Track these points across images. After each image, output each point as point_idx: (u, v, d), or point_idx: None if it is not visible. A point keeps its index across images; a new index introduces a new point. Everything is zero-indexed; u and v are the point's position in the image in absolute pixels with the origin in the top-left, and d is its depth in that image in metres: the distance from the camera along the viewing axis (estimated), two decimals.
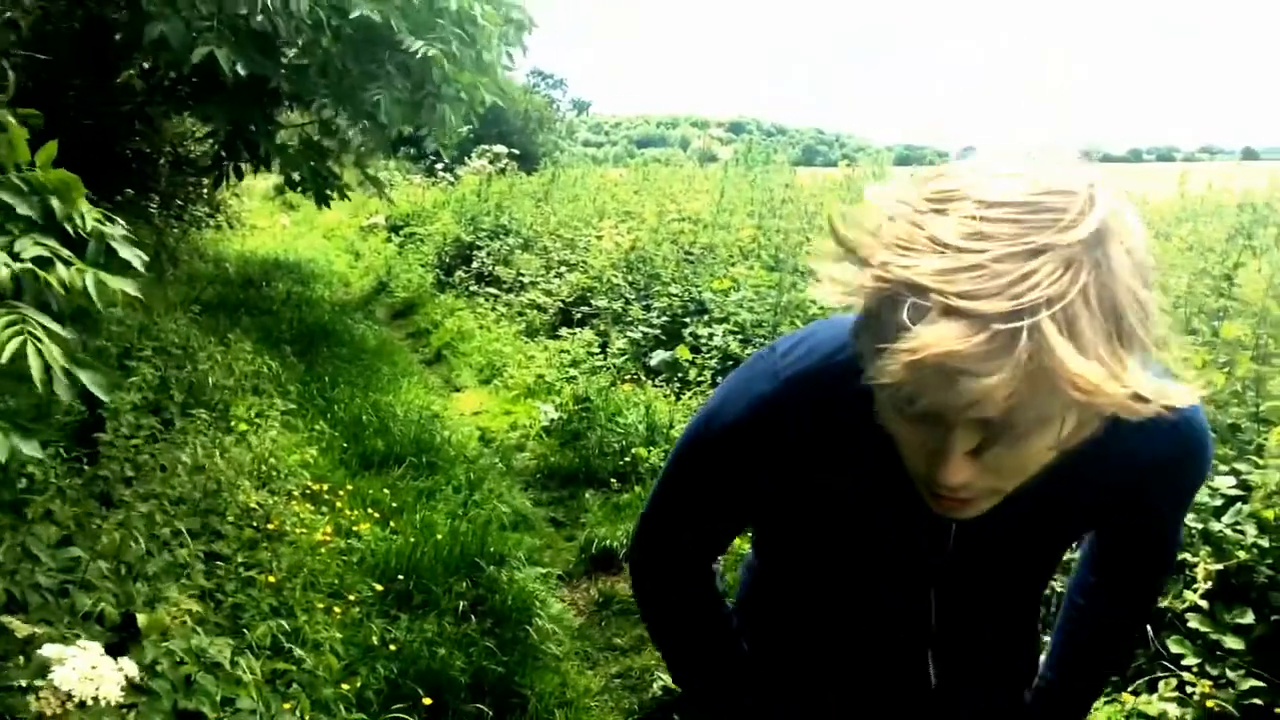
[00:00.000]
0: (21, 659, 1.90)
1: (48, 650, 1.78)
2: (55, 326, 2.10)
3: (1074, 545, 1.34)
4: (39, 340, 2.00)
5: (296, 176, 7.73)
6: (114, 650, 2.10)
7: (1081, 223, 0.81)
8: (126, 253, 2.36)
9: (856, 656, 1.33)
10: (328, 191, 7.81)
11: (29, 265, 2.07)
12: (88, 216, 2.28)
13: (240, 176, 8.02)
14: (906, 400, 0.86)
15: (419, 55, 6.14)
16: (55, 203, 2.22)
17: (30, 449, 2.04)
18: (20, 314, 2.02)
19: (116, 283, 2.22)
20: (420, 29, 6.28)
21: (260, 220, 16.06)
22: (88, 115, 7.18)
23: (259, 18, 5.31)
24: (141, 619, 2.54)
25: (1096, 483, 1.11)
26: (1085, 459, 0.97)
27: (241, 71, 5.59)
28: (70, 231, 2.27)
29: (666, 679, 3.62)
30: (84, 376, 2.16)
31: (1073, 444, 0.91)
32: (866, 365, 0.87)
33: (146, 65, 7.80)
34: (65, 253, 2.18)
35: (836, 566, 1.26)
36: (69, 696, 1.73)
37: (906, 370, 0.81)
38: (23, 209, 2.15)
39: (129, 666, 1.76)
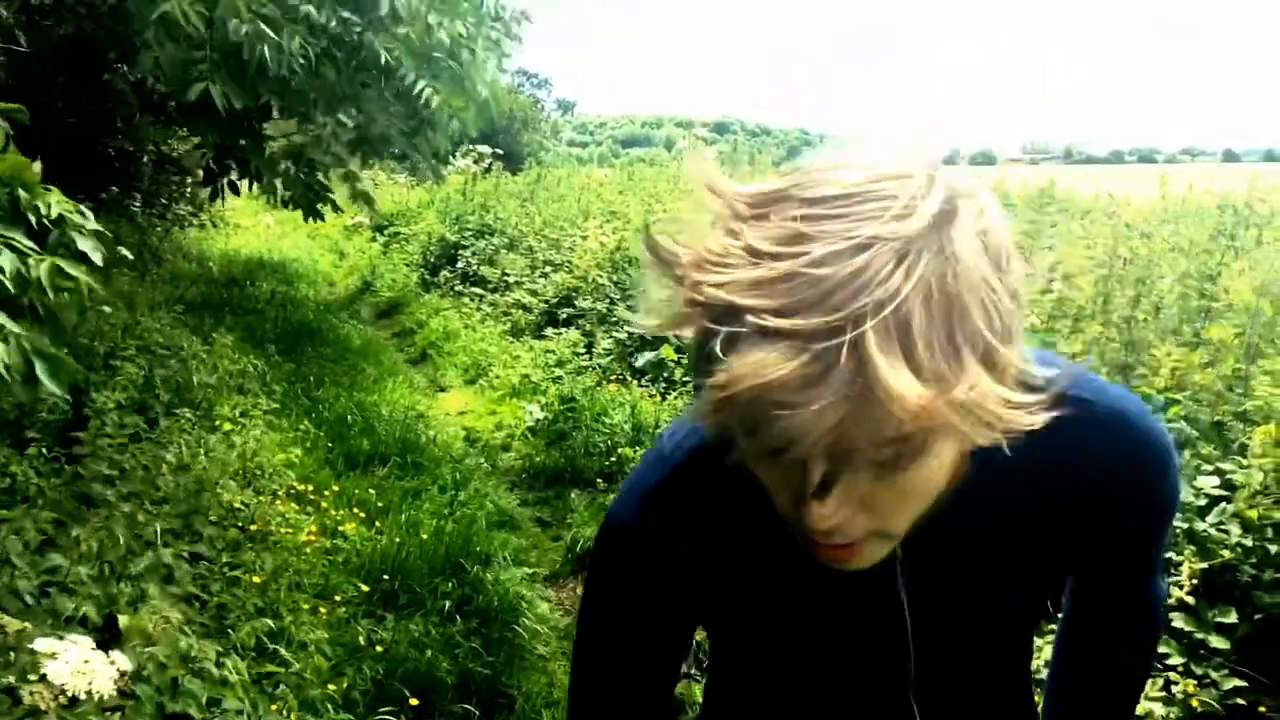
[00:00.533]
0: (12, 654, 1.88)
1: (40, 645, 1.76)
2: (5, 320, 2.02)
3: (1052, 599, 1.18)
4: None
5: (285, 193, 7.73)
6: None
7: (917, 209, 0.69)
8: (85, 244, 2.25)
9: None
10: (318, 205, 7.80)
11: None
12: (54, 205, 2.21)
13: (236, 192, 7.99)
14: (746, 437, 0.72)
15: (418, 92, 6.18)
16: (21, 192, 2.17)
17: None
18: None
19: (73, 269, 2.15)
20: (418, 60, 6.31)
21: (244, 219, 16.00)
22: (71, 113, 7.15)
23: (250, 50, 5.32)
24: (123, 620, 2.53)
25: (1043, 510, 0.96)
26: (1019, 485, 0.91)
27: (236, 105, 5.63)
28: (33, 222, 2.21)
29: None
30: (40, 367, 2.05)
31: (961, 471, 0.82)
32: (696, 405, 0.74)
33: (134, 79, 7.80)
34: (26, 243, 2.11)
35: (793, 664, 1.08)
36: (61, 691, 1.71)
37: (720, 409, 0.69)
38: None
39: (122, 661, 1.75)
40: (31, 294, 2.08)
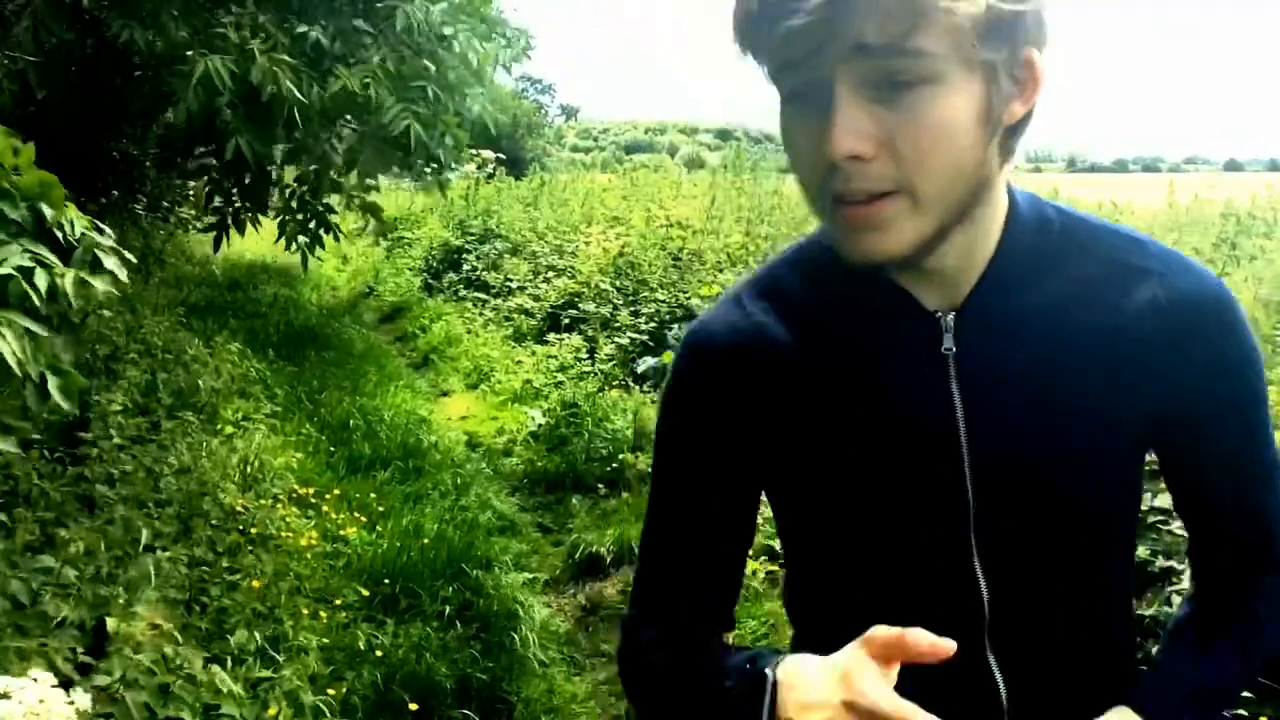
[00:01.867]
0: None
1: None
2: (38, 328, 2.08)
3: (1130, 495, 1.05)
4: (7, 341, 1.98)
5: (291, 228, 7.73)
6: (87, 656, 2.07)
7: None
8: (110, 262, 2.32)
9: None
10: (320, 232, 7.80)
11: (12, 272, 2.06)
12: (77, 223, 2.26)
13: (241, 230, 7.99)
14: (787, 78, 0.84)
15: (390, 122, 6.19)
16: (45, 208, 2.21)
17: (8, 445, 2.03)
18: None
19: (98, 281, 2.20)
20: (401, 92, 6.31)
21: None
22: (77, 117, 7.15)
23: (278, 106, 5.44)
24: (111, 624, 2.52)
25: (1112, 335, 0.94)
26: (1085, 300, 0.94)
27: (259, 151, 5.74)
28: (60, 238, 2.27)
29: None
30: (52, 382, 2.13)
31: (988, 130, 0.85)
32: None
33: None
34: (52, 259, 2.17)
35: (856, 525, 1.02)
36: None
37: (744, 36, 0.83)
38: (12, 214, 2.15)
39: (80, 699, 1.69)
40: (55, 306, 2.13)
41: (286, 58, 5.44)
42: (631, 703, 1.14)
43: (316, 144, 7.07)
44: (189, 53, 5.40)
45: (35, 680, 1.64)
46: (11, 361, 1.94)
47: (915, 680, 0.92)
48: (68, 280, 2.12)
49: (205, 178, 7.58)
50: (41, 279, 2.09)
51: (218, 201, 7.45)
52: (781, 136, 0.88)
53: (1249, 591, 1.06)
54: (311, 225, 7.55)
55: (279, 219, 7.51)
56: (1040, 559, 1.00)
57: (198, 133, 6.33)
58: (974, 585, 0.99)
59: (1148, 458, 1.04)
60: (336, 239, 8.13)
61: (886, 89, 0.80)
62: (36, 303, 2.07)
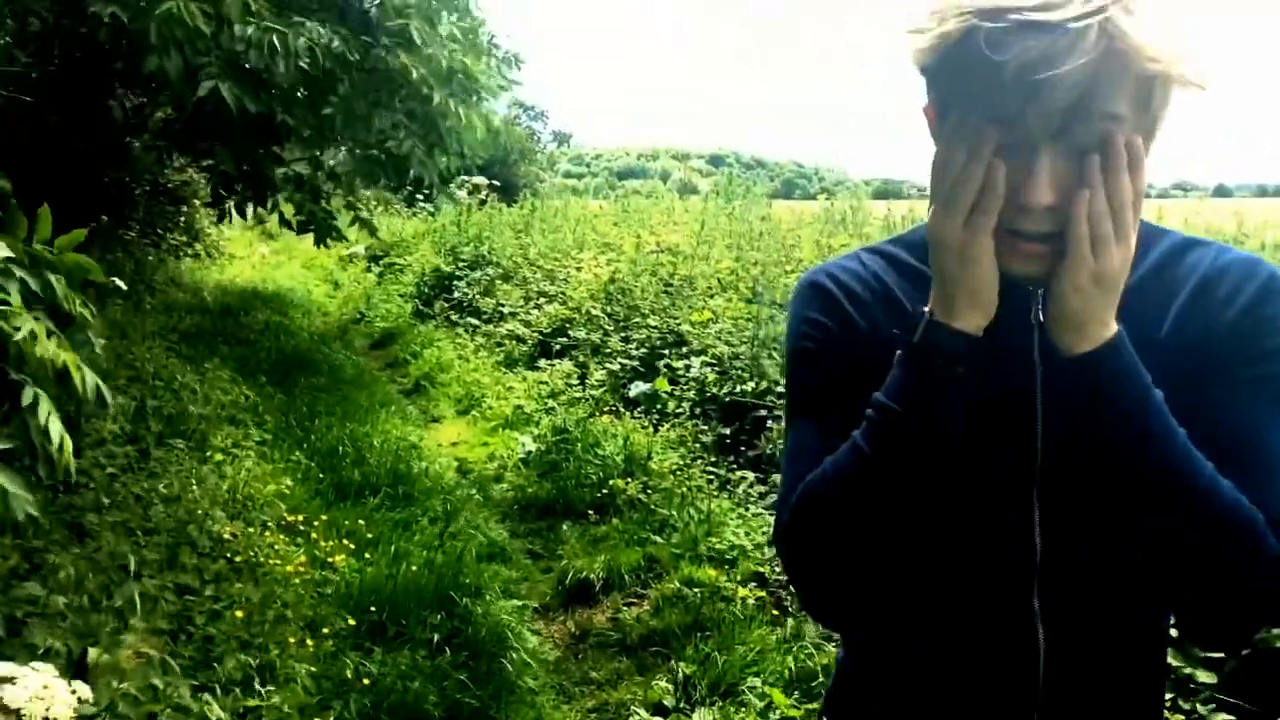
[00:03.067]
0: None
1: (0, 668, 1.75)
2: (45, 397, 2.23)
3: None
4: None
5: (299, 217, 7.75)
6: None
7: None
8: (94, 337, 2.53)
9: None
10: (328, 234, 7.84)
11: (27, 338, 2.16)
12: (76, 301, 2.37)
13: (244, 215, 8.01)
14: (994, 124, 0.96)
15: (444, 109, 6.25)
16: (55, 281, 2.30)
17: (19, 490, 2.11)
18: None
19: (96, 381, 2.38)
20: (439, 80, 6.38)
21: (238, 249, 16.02)
22: (68, 143, 7.18)
23: (253, 56, 5.32)
24: (92, 654, 2.51)
25: (1169, 321, 1.08)
26: (1156, 303, 1.07)
27: (250, 109, 5.64)
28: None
29: (643, 713, 3.61)
30: (67, 447, 2.25)
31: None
32: (950, 110, 1.00)
33: (130, 104, 7.82)
34: (49, 324, 2.28)
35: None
36: (18, 715, 1.69)
37: (986, 91, 0.94)
38: (34, 284, 2.24)
39: (82, 689, 1.74)
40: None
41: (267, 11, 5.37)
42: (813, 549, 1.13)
43: (330, 131, 7.08)
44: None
45: (37, 669, 1.68)
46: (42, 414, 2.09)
47: (960, 626, 1.14)
48: (87, 376, 2.24)
49: (208, 173, 7.60)
50: (46, 348, 2.20)
51: (222, 194, 7.48)
52: (943, 161, 1.00)
53: None
54: (317, 221, 7.59)
55: (292, 206, 7.55)
56: (1095, 523, 1.08)
57: (182, 103, 6.21)
58: (1030, 538, 1.11)
59: None
60: (341, 238, 8.17)
61: (1078, 152, 0.96)
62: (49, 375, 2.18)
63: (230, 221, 7.82)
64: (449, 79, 6.46)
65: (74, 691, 1.70)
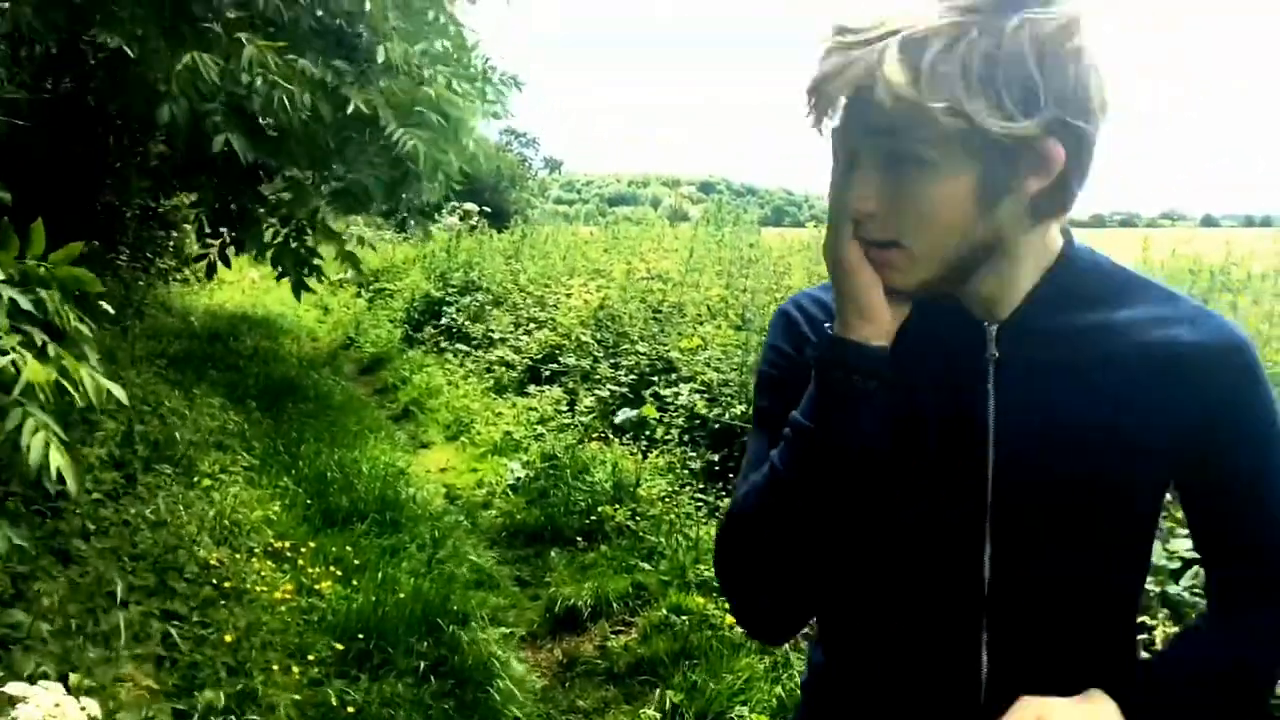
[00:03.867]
0: None
1: (11, 688, 1.75)
2: (51, 422, 2.22)
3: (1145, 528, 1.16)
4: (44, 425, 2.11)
5: (276, 268, 7.77)
6: None
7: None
8: (94, 357, 2.46)
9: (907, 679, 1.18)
10: (305, 276, 7.84)
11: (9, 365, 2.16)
12: (70, 315, 2.36)
13: (228, 264, 8.02)
14: (838, 145, 1.06)
15: (398, 142, 6.26)
16: (47, 297, 2.30)
17: (19, 538, 2.10)
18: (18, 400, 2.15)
19: (106, 384, 2.35)
20: (400, 113, 6.39)
21: (228, 274, 15.97)
22: (58, 168, 7.18)
23: (257, 103, 5.38)
24: (74, 679, 2.50)
25: (1139, 368, 1.07)
26: (1116, 334, 1.08)
27: (251, 158, 5.70)
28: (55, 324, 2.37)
29: None
30: (63, 466, 2.23)
31: (986, 218, 1.03)
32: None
33: (125, 141, 7.86)
34: (52, 346, 2.28)
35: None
36: None
37: (815, 96, 1.02)
38: (24, 303, 2.23)
39: (93, 706, 1.74)
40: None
41: (275, 43, 5.42)
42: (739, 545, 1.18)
43: (307, 178, 7.08)
44: (171, 52, 5.33)
45: (47, 689, 1.69)
46: (36, 445, 2.08)
47: (908, 644, 1.16)
48: (86, 381, 2.22)
49: (199, 207, 7.60)
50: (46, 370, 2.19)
51: (208, 231, 7.49)
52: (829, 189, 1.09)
53: (1272, 603, 1.15)
54: (297, 267, 7.58)
55: (271, 252, 7.55)
56: (1046, 558, 1.10)
57: (182, 143, 6.26)
58: (979, 570, 1.11)
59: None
60: (320, 280, 8.16)
61: (894, 163, 1.01)
62: (46, 395, 2.17)
63: (217, 273, 7.82)
64: (410, 111, 6.47)
65: (84, 709, 1.70)
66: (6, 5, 4.93)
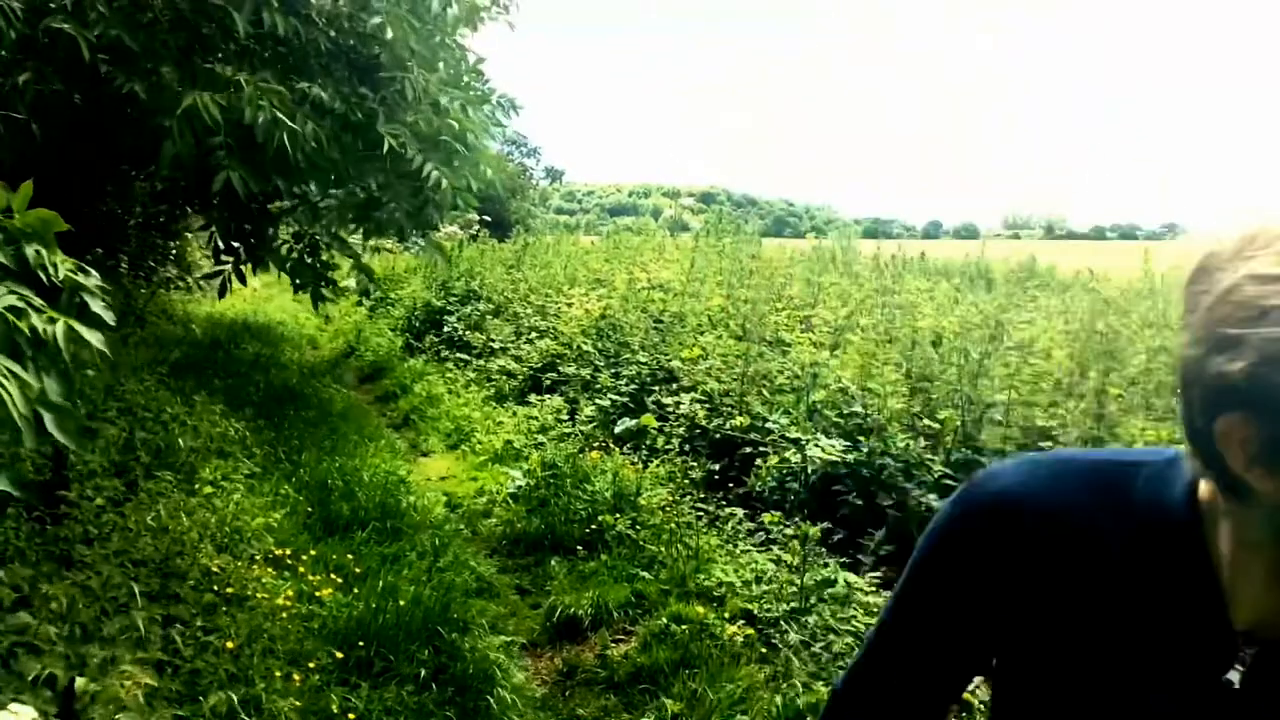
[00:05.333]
0: None
1: None
2: (20, 371, 2.10)
3: None
4: (4, 382, 2.01)
5: (295, 280, 7.86)
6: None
7: None
8: (97, 305, 2.37)
9: None
10: (323, 289, 7.91)
11: (2, 312, 2.09)
12: (61, 266, 2.30)
13: (244, 281, 8.09)
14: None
15: (428, 177, 6.32)
16: (29, 250, 2.25)
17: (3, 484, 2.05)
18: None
19: (88, 334, 2.24)
20: (424, 144, 6.46)
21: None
22: (65, 178, 7.21)
23: (260, 136, 5.44)
24: (80, 683, 2.50)
25: None
26: None
27: (254, 189, 5.76)
28: (44, 280, 2.30)
29: None
30: (49, 419, 2.15)
31: None
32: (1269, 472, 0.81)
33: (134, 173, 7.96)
34: (38, 301, 2.21)
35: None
36: None
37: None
38: (4, 258, 2.18)
39: None
40: (45, 353, 2.16)
41: (278, 87, 5.48)
42: None
43: (317, 196, 7.16)
44: (179, 90, 5.42)
45: (16, 714, 1.67)
46: (11, 408, 1.97)
47: None
48: (58, 329, 2.16)
49: (210, 228, 7.67)
50: (38, 321, 2.12)
51: (221, 248, 7.54)
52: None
53: None
54: (315, 280, 7.65)
55: (288, 267, 7.61)
56: None
57: (189, 177, 6.36)
58: None
59: None
60: (336, 294, 8.22)
61: None
62: (24, 346, 2.10)
63: (231, 290, 7.92)
64: (436, 144, 6.54)
65: None
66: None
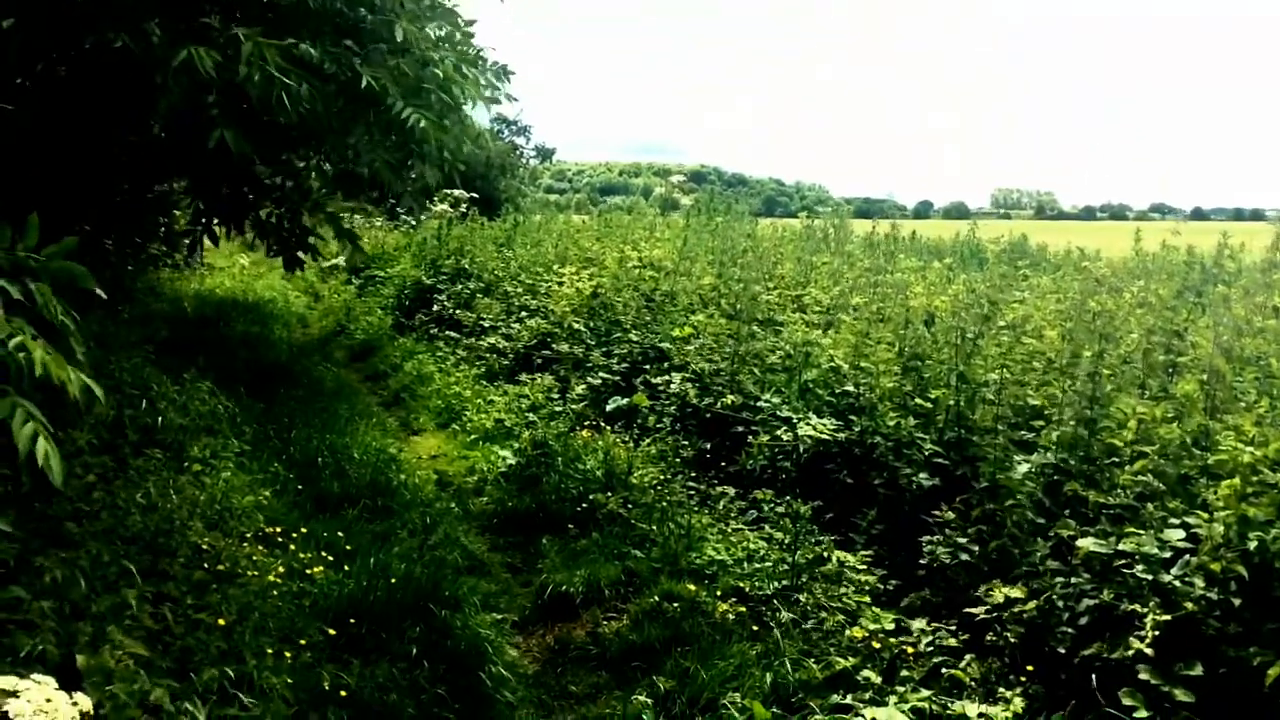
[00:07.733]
0: None
1: (1, 682, 1.75)
2: (32, 408, 2.22)
3: None
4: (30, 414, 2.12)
5: (269, 240, 7.78)
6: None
7: None
8: (76, 344, 2.48)
9: None
10: (299, 254, 7.81)
11: (13, 351, 2.15)
12: (57, 309, 2.36)
13: (215, 241, 7.99)
14: None
15: (409, 123, 6.24)
16: (37, 290, 2.30)
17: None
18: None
19: (86, 380, 2.34)
20: (409, 94, 6.38)
21: (219, 259, 15.93)
22: (50, 153, 7.13)
23: (254, 94, 5.37)
24: (81, 660, 2.50)
25: None
26: None
27: (247, 150, 5.68)
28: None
29: None
30: (52, 459, 2.23)
31: None
32: None
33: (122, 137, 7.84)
34: (31, 331, 2.27)
35: None
36: None
37: None
38: (15, 293, 2.22)
39: (84, 700, 1.74)
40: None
41: (278, 42, 5.40)
42: None
43: (304, 159, 7.06)
44: (171, 47, 5.33)
45: (39, 683, 1.69)
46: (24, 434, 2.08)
47: None
48: (71, 377, 2.23)
49: (194, 194, 7.60)
50: (37, 359, 2.19)
51: (203, 208, 7.49)
52: None
53: None
54: (292, 243, 7.57)
55: (266, 229, 7.54)
56: None
57: (180, 134, 6.26)
58: None
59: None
60: (315, 258, 8.13)
61: None
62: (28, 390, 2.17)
63: (203, 250, 7.86)
64: (418, 91, 6.45)
65: (75, 704, 1.69)
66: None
